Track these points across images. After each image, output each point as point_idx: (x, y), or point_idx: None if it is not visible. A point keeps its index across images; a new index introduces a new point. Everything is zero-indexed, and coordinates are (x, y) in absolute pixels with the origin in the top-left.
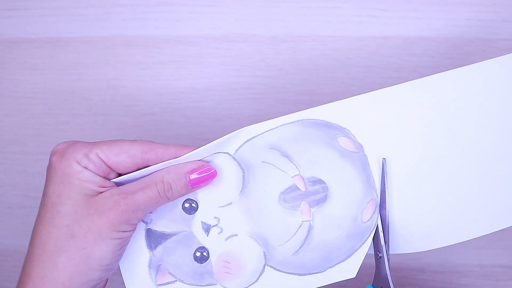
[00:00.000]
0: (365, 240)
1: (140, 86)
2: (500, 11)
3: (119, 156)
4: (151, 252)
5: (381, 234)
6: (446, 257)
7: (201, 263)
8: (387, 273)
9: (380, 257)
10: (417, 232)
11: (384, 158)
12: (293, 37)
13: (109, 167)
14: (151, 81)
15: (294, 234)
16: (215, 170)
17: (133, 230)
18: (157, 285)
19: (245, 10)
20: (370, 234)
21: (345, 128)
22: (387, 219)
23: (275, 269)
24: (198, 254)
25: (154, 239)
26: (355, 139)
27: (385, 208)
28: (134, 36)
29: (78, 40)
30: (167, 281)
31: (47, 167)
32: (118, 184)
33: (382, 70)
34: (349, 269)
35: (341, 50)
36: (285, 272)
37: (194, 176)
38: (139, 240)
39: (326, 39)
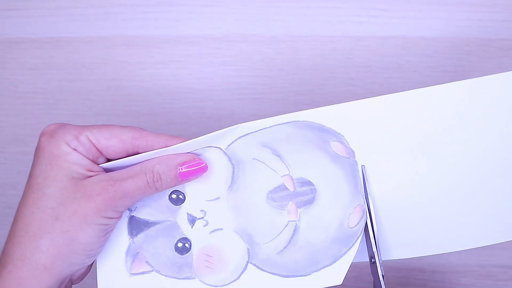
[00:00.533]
0: (352, 246)
1: (140, 86)
2: (500, 11)
3: (110, 140)
4: (131, 239)
5: (372, 239)
6: (446, 257)
7: (182, 254)
8: (379, 278)
9: (373, 262)
10: (404, 239)
11: (363, 165)
12: (293, 37)
13: (98, 151)
14: (151, 81)
15: (280, 233)
16: (206, 165)
17: (119, 217)
18: (131, 274)
19: (245, 10)
20: (357, 240)
21: (339, 133)
22: (372, 224)
23: (258, 267)
24: (180, 244)
25: (136, 226)
26: (348, 144)
27: (370, 214)
28: (134, 36)
29: (78, 40)
30: (142, 271)
31: (35, 148)
32: (106, 170)
33: (382, 70)
34: (335, 275)
35: (341, 50)
36: (268, 272)
37: (184, 168)
38: (121, 226)
39: (326, 39)
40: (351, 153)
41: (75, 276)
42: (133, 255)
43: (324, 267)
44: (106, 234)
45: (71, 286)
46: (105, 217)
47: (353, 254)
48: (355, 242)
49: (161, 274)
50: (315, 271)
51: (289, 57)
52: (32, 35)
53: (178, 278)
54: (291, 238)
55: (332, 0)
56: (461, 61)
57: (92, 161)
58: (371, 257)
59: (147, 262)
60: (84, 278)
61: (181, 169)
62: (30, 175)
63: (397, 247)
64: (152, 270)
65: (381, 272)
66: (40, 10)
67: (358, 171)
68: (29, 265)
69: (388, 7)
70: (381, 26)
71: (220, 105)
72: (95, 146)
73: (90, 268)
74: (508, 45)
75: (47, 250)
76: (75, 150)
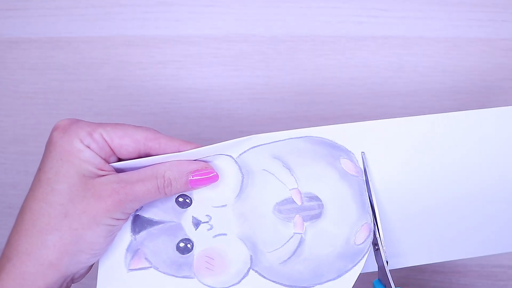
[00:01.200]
0: (357, 262)
1: (140, 86)
2: (500, 11)
3: (123, 139)
4: (133, 236)
5: (374, 227)
6: None
7: (183, 254)
8: (384, 265)
9: (377, 249)
10: (411, 248)
11: (363, 152)
12: (293, 37)
13: (111, 149)
14: (151, 81)
15: (285, 243)
16: (217, 174)
17: (126, 219)
18: (129, 269)
19: (245, 10)
20: (363, 257)
21: (350, 151)
22: (373, 212)
23: (260, 274)
24: (182, 244)
25: (140, 224)
26: (357, 163)
27: (372, 203)
28: (134, 36)
29: (78, 40)
30: (140, 266)
31: (47, 142)
32: (116, 169)
33: (382, 70)
34: None
35: (341, 50)
36: (270, 280)
37: (195, 176)
38: (125, 224)
39: (326, 39)
40: (360, 172)
41: (77, 274)
42: (133, 251)
43: (328, 281)
44: (112, 234)
45: (71, 284)
46: (114, 218)
47: (359, 270)
48: (361, 259)
49: (159, 271)
50: (318, 284)
51: (289, 57)
52: (32, 35)
53: (177, 276)
54: (296, 249)
55: (332, 0)
56: (461, 61)
57: (104, 159)
58: (375, 244)
59: (146, 259)
60: (84, 278)
61: (192, 177)
62: (40, 169)
63: (403, 255)
64: (151, 267)
65: (385, 258)
66: (40, 10)
67: (365, 190)
68: (34, 260)
69: (388, 7)
70: (381, 26)
71: (220, 105)
72: (108, 145)
73: (91, 267)
74: (508, 45)
75: (54, 246)
76: (88, 147)
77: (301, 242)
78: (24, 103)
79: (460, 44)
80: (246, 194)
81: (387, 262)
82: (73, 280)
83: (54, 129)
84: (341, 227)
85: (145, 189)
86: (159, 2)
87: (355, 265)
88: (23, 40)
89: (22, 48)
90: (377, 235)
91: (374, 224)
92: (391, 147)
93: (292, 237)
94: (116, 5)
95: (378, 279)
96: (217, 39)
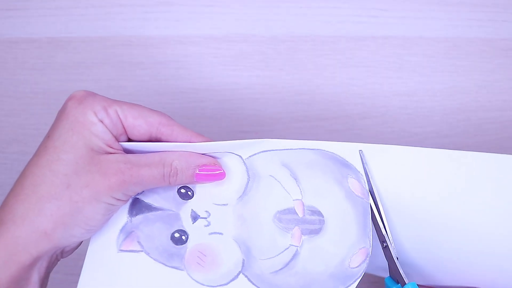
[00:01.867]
0: (348, 286)
1: (140, 86)
2: (500, 11)
3: (137, 119)
4: (129, 218)
5: (380, 223)
6: None
7: (177, 244)
8: (394, 261)
9: (385, 246)
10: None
11: (361, 150)
12: (293, 37)
13: (124, 128)
14: (151, 81)
15: (279, 253)
16: (224, 172)
17: (127, 200)
18: (120, 250)
19: (245, 10)
20: (355, 281)
21: (359, 171)
22: (378, 208)
23: (249, 280)
24: (176, 235)
25: (138, 207)
26: (364, 185)
27: (374, 197)
28: (134, 36)
29: (78, 40)
30: (132, 249)
31: (59, 111)
32: (125, 149)
33: (382, 70)
34: None
35: (341, 50)
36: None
37: (202, 171)
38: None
39: (326, 39)
40: (366, 194)
41: (67, 248)
42: (127, 232)
43: None
44: (110, 213)
45: (60, 259)
46: (114, 198)
47: None
48: (352, 283)
49: (150, 256)
50: None
51: (289, 57)
52: (32, 35)
53: (166, 265)
54: (289, 261)
55: (332, 0)
56: (461, 61)
57: (115, 137)
58: (383, 241)
59: (138, 242)
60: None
61: (199, 171)
62: (48, 136)
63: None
64: (142, 251)
65: (395, 254)
66: (40, 10)
67: (369, 214)
68: (28, 226)
69: (388, 7)
70: (381, 26)
71: (220, 105)
72: (121, 122)
73: (81, 243)
74: (508, 45)
75: (51, 215)
76: (101, 121)
77: (295, 255)
78: (24, 103)
79: (460, 44)
80: (249, 197)
81: (397, 258)
82: (62, 254)
83: (69, 98)
84: (338, 247)
85: (151, 174)
86: (159, 2)
87: None
88: (23, 40)
89: (22, 48)
90: (384, 232)
91: (380, 220)
92: (402, 173)
93: (287, 248)
94: (116, 5)
95: (390, 276)
96: (217, 39)
